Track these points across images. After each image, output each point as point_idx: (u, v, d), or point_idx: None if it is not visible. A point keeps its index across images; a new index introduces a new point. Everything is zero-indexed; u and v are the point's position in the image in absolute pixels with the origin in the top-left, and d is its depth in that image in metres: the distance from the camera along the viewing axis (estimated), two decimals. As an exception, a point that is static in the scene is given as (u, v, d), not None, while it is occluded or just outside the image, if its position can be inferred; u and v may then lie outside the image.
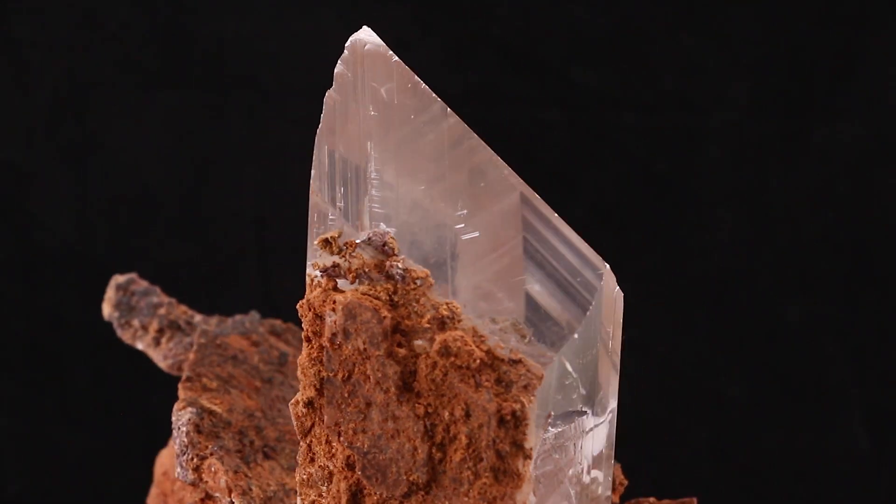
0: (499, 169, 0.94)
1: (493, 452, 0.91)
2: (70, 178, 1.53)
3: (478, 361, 0.91)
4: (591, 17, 1.51)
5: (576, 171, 1.53)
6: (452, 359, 0.91)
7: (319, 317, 0.94)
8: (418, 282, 0.93)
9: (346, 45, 0.94)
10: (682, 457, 1.54)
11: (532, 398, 0.91)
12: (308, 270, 0.95)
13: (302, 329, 0.96)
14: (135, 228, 1.54)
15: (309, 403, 0.95)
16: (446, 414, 0.92)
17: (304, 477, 0.96)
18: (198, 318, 1.15)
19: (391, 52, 0.94)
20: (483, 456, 0.91)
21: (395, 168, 0.94)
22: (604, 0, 1.51)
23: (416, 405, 0.92)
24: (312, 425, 0.95)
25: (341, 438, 0.94)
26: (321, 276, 0.94)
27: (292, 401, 0.95)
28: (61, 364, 1.54)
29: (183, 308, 1.16)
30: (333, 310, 0.93)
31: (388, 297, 0.93)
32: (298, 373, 0.94)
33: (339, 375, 0.93)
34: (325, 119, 0.95)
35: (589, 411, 0.95)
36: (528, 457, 0.91)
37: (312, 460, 0.96)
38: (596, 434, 0.96)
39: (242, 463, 1.02)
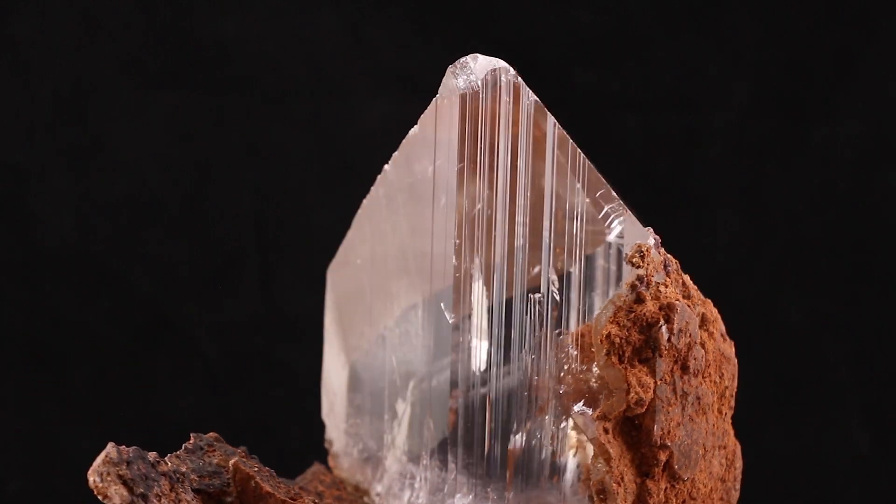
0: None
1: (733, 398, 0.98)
2: (70, 178, 1.53)
3: (710, 317, 0.97)
4: (591, 17, 1.51)
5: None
6: (713, 323, 0.97)
7: (647, 328, 0.93)
8: (672, 266, 0.95)
9: (514, 79, 1.01)
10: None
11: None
12: (620, 292, 0.94)
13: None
14: (135, 228, 1.54)
15: (618, 427, 0.94)
16: (718, 377, 0.97)
17: None
18: (167, 463, 1.02)
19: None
20: (733, 403, 0.98)
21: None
22: (604, 0, 1.51)
23: (707, 379, 0.96)
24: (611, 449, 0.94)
25: (666, 440, 0.94)
26: (632, 292, 0.93)
27: (595, 436, 0.93)
28: (61, 364, 1.54)
29: (156, 456, 1.01)
30: (667, 316, 0.93)
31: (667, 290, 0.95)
32: (635, 393, 0.93)
33: (666, 379, 0.94)
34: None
35: None
36: None
37: (622, 479, 0.94)
38: None
39: None
